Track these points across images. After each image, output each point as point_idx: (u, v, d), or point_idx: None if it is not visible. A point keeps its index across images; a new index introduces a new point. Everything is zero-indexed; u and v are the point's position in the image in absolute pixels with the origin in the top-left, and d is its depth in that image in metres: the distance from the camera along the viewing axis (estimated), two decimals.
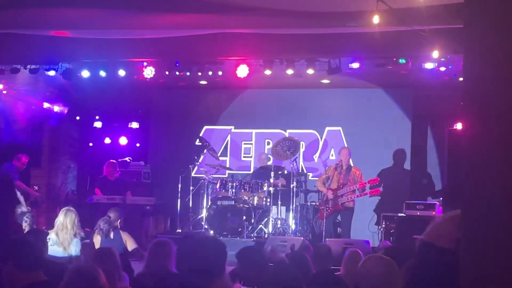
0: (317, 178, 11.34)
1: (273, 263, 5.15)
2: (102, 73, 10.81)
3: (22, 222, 7.56)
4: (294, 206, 11.15)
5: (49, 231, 7.10)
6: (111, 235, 7.71)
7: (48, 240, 6.57)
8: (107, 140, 13.76)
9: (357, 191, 10.48)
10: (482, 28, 1.95)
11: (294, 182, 11.24)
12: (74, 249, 6.99)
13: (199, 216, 11.49)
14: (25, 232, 7.16)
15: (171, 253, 5.11)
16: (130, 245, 7.85)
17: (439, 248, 2.43)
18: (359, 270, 3.53)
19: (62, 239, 6.98)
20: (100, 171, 11.84)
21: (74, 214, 7.22)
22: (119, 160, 12.77)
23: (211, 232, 10.77)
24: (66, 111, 13.12)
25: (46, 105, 12.70)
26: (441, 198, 10.87)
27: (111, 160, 11.78)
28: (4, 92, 11.75)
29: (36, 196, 11.75)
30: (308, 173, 12.56)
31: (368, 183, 10.43)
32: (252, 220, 10.83)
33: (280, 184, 11.33)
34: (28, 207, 7.69)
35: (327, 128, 12.65)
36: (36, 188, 12.03)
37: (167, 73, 10.88)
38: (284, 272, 4.35)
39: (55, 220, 7.32)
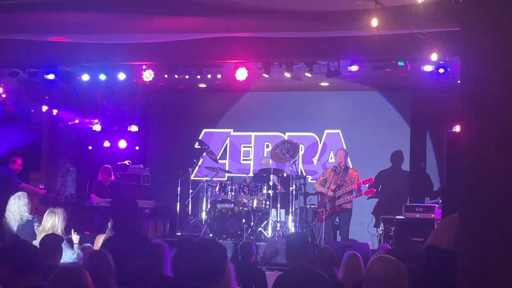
0: (315, 181, 11.36)
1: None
2: (102, 77, 10.81)
3: (34, 229, 7.40)
4: (293, 209, 11.14)
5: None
6: None
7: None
8: (106, 143, 13.76)
9: (354, 192, 10.49)
10: (479, 30, 1.96)
11: (294, 185, 11.24)
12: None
13: (199, 219, 11.49)
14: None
15: (165, 255, 5.05)
16: None
17: (442, 250, 2.43)
18: (366, 271, 3.52)
19: None
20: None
21: (56, 215, 6.91)
22: (118, 163, 12.78)
23: (211, 235, 10.76)
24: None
25: (44, 108, 12.70)
26: (440, 200, 10.88)
27: (106, 165, 11.80)
28: (3, 95, 11.75)
29: (44, 193, 11.76)
30: (307, 176, 12.56)
31: (363, 183, 10.46)
32: (252, 223, 10.83)
33: (278, 187, 11.34)
34: (31, 215, 7.61)
35: (326, 131, 12.66)
36: (42, 186, 12.02)
37: (166, 76, 10.89)
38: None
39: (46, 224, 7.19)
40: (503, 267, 1.84)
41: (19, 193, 7.65)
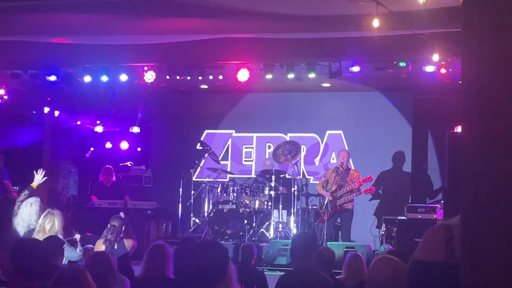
0: (317, 182, 11.36)
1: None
2: (104, 78, 10.82)
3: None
4: (295, 209, 11.14)
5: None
6: (115, 246, 7.54)
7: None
8: (108, 145, 13.76)
9: (354, 191, 10.50)
10: (480, 31, 1.95)
11: (295, 186, 11.24)
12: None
13: (200, 220, 11.49)
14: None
15: (168, 256, 5.04)
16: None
17: (430, 263, 2.39)
18: (369, 272, 3.51)
19: None
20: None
21: (55, 217, 6.78)
22: (120, 164, 12.78)
23: (212, 236, 10.75)
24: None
25: (46, 109, 12.71)
26: (442, 201, 10.87)
27: (107, 166, 11.80)
28: (5, 97, 11.76)
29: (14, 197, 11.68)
30: (309, 177, 12.56)
31: (363, 182, 10.46)
32: (254, 224, 10.82)
33: (281, 190, 11.33)
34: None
35: (328, 132, 12.66)
36: (16, 188, 11.96)
37: (167, 77, 10.90)
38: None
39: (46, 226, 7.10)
40: (507, 271, 1.84)
41: (32, 199, 7.38)
